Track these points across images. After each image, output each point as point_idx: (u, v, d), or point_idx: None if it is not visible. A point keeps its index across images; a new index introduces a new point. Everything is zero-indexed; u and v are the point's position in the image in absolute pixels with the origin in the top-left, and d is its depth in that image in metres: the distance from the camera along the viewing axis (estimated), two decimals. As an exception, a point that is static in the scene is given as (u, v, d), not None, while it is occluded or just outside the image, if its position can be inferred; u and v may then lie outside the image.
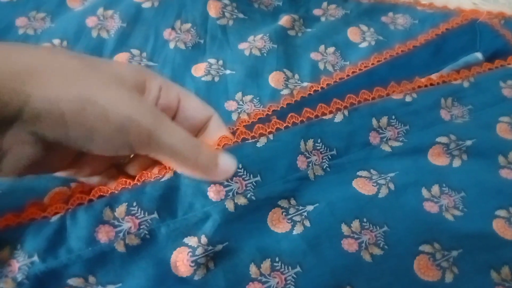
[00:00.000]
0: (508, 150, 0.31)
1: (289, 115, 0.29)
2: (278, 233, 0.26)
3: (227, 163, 0.25)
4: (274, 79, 0.35)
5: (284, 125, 0.28)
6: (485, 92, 0.35)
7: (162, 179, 0.25)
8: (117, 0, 0.37)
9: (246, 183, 0.26)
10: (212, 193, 0.25)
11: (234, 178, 0.25)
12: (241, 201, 0.25)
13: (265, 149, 0.27)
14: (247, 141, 0.27)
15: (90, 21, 0.36)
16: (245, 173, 0.26)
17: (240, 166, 0.26)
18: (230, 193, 0.25)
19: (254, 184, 0.26)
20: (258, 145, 0.27)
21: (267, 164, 0.27)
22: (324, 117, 0.30)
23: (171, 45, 0.36)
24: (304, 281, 0.25)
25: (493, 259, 0.26)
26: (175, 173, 0.25)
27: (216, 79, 0.34)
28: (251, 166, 0.26)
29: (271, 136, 0.27)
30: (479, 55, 0.38)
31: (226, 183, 0.25)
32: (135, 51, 0.35)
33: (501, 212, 0.28)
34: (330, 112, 0.30)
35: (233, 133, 0.27)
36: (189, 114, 0.25)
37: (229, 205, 0.25)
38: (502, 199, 0.29)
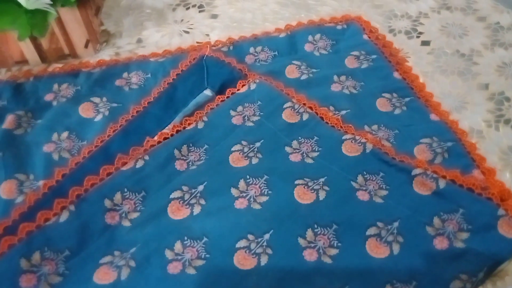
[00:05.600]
0: (238, 179, 0.34)
1: (3, 239, 0.28)
2: None
3: None
4: (5, 190, 0.33)
5: (-3, 255, 0.27)
6: (218, 127, 0.37)
7: None
8: None
9: None
10: None
11: None
12: None
13: None
14: None
15: None
16: None
17: None
18: None
19: None
20: None
21: None
22: (47, 223, 0.29)
23: None
24: None
25: (236, 293, 0.28)
26: None
27: None
28: None
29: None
30: (208, 92, 0.40)
31: None
32: None
33: (241, 243, 0.30)
34: (55, 214, 0.30)
35: None
36: None
37: None
38: (240, 231, 0.31)
